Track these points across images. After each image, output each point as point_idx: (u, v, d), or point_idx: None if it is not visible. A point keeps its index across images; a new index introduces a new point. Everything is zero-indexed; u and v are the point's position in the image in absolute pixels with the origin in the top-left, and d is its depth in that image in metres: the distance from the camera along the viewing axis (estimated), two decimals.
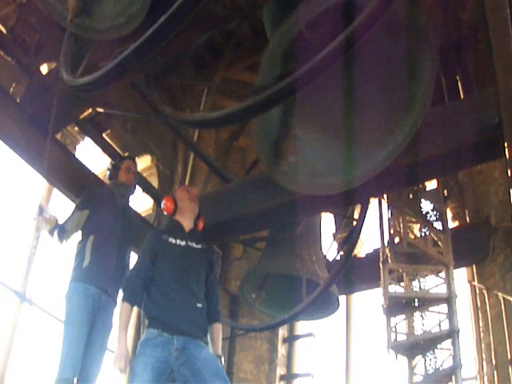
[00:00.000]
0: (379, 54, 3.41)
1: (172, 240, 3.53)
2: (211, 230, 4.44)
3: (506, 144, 2.86)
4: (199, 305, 3.40)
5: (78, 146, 5.98)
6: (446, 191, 5.96)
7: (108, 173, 4.40)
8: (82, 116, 4.99)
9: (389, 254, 5.45)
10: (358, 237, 5.21)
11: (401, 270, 5.49)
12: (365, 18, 2.51)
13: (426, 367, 5.26)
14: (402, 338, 5.36)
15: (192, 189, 3.86)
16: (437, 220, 5.69)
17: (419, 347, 5.32)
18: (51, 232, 3.93)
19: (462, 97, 4.87)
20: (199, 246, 3.58)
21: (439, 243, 5.53)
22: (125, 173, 4.29)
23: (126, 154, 4.70)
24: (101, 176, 5.04)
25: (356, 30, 2.57)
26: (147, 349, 3.24)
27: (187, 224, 3.64)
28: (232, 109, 2.96)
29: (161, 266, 3.45)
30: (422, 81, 3.28)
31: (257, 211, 4.41)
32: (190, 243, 3.55)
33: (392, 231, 5.52)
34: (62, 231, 3.95)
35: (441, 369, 5.16)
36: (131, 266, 4.25)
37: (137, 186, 4.50)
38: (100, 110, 4.56)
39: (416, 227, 5.77)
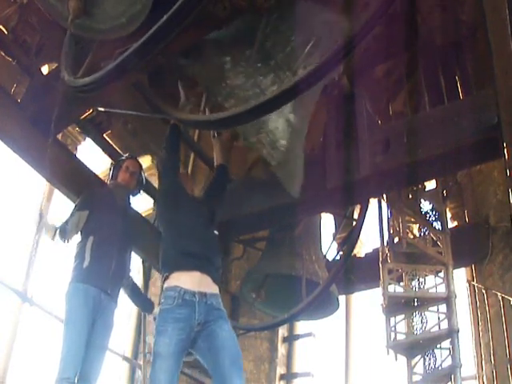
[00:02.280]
0: None
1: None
2: None
3: (504, 144, 2.87)
4: (215, 232, 3.68)
5: (78, 147, 5.99)
6: (445, 191, 5.97)
7: (109, 172, 4.40)
8: (82, 116, 4.99)
9: (388, 254, 5.47)
10: (358, 237, 5.22)
11: (400, 270, 5.50)
12: (365, 22, 2.53)
13: (425, 367, 5.27)
14: (401, 337, 5.37)
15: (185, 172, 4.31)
16: (436, 220, 5.70)
17: (418, 347, 5.33)
18: (52, 236, 3.94)
19: (461, 97, 4.87)
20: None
21: (438, 243, 5.54)
22: (123, 173, 4.29)
23: (128, 154, 4.68)
24: (102, 176, 5.05)
25: (356, 34, 2.58)
26: (169, 326, 3.18)
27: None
28: (235, 111, 2.97)
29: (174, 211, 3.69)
30: None
31: (257, 211, 4.43)
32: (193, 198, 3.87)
33: (391, 231, 5.53)
34: (64, 231, 3.95)
35: (440, 368, 5.17)
36: (132, 267, 4.29)
37: (141, 187, 4.48)
38: (101, 109, 4.56)
39: (415, 227, 5.78)
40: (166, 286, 3.38)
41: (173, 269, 3.39)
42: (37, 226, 3.96)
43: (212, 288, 3.36)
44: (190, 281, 3.29)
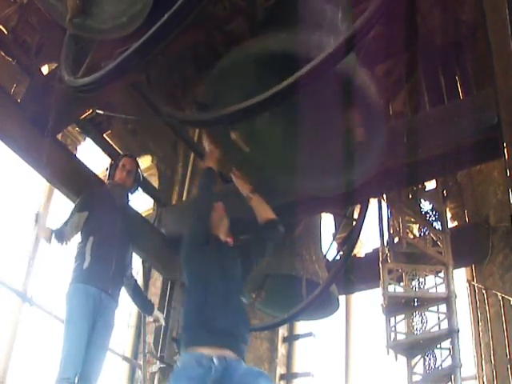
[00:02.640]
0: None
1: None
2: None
3: (504, 144, 2.87)
4: (244, 299, 3.34)
5: (78, 147, 6.00)
6: (445, 191, 5.97)
7: (107, 172, 4.39)
8: (82, 116, 4.99)
9: (388, 254, 5.47)
10: (358, 237, 5.22)
11: (400, 270, 5.50)
12: (365, 21, 2.53)
13: (425, 367, 5.27)
14: (401, 337, 5.37)
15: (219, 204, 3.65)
16: (436, 220, 5.70)
17: (418, 347, 5.33)
18: (48, 240, 3.94)
19: (461, 97, 4.88)
20: (231, 251, 3.48)
21: (438, 243, 5.54)
22: (119, 172, 4.28)
23: (123, 153, 4.68)
24: (101, 176, 5.05)
25: (356, 33, 2.58)
26: (181, 382, 2.91)
27: (222, 237, 3.52)
28: (233, 108, 2.97)
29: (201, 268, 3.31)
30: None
31: None
32: (226, 248, 3.47)
33: (391, 231, 5.54)
34: (61, 234, 3.95)
35: (440, 368, 5.17)
36: (132, 267, 4.29)
37: (139, 184, 4.46)
38: (100, 112, 4.56)
39: (415, 227, 5.78)
40: (183, 352, 3.07)
41: (193, 343, 3.01)
42: (34, 228, 3.94)
43: (234, 358, 2.99)
44: (211, 351, 2.95)
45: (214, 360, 2.89)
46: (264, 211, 3.60)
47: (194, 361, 2.90)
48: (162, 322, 4.57)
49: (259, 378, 2.99)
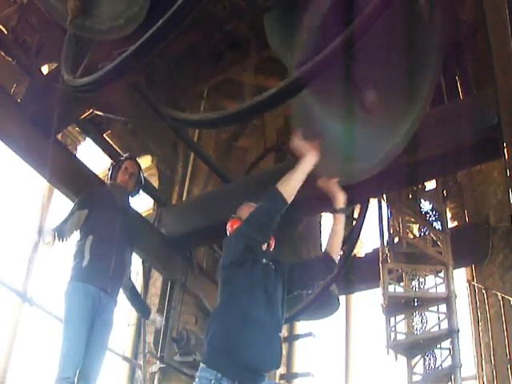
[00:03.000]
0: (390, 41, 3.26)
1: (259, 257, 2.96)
2: (211, 230, 4.46)
3: (504, 144, 2.87)
4: (281, 334, 2.87)
5: (78, 147, 6.00)
6: (445, 191, 5.96)
7: (109, 173, 4.40)
8: (82, 116, 5.00)
9: (388, 254, 5.46)
10: (358, 237, 5.22)
11: (400, 270, 5.50)
12: (365, 17, 2.53)
13: (425, 367, 5.26)
14: (401, 337, 5.36)
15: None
16: (436, 220, 5.69)
17: (418, 347, 5.32)
18: (52, 243, 3.94)
19: (461, 97, 4.87)
20: (272, 264, 3.03)
21: (438, 243, 5.54)
22: (122, 174, 4.30)
23: (127, 155, 4.68)
24: (101, 176, 5.05)
25: (357, 28, 2.58)
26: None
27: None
28: (234, 109, 2.97)
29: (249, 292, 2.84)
30: (426, 75, 3.22)
31: None
32: (268, 262, 3.01)
33: (391, 231, 5.53)
34: (61, 232, 3.95)
35: (440, 368, 5.17)
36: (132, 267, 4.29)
37: (141, 187, 4.47)
38: (99, 113, 4.57)
39: (415, 227, 5.78)
40: (203, 367, 2.71)
41: (219, 369, 2.64)
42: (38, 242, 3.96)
43: None
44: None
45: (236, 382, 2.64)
46: (339, 241, 3.10)
47: (214, 381, 2.61)
48: (159, 326, 4.57)
49: None
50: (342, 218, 3.10)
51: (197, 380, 2.66)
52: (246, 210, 3.12)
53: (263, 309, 2.78)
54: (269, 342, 2.73)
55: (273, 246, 3.19)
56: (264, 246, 3.02)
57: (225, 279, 2.91)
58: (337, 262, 3.11)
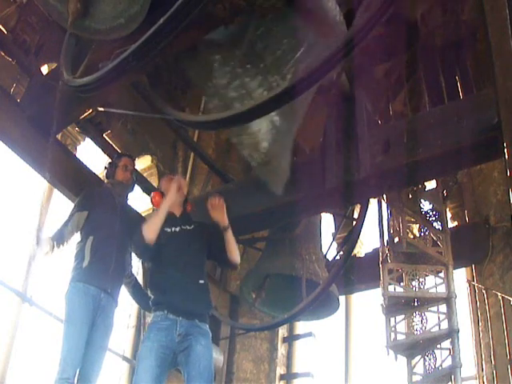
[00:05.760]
0: None
1: (167, 229, 3.73)
2: None
3: (505, 144, 2.86)
4: (201, 281, 3.64)
5: (78, 147, 5.99)
6: (445, 191, 5.96)
7: (105, 171, 4.40)
8: (82, 116, 4.99)
9: (388, 254, 5.46)
10: (358, 237, 5.21)
11: (400, 270, 5.50)
12: (362, 25, 2.53)
13: (425, 367, 5.27)
14: (401, 337, 5.37)
15: (176, 176, 4.14)
16: (436, 220, 5.70)
17: (419, 347, 5.33)
18: (51, 251, 3.95)
19: (461, 97, 4.87)
20: (192, 227, 3.83)
21: (438, 243, 5.54)
22: (122, 171, 4.29)
23: (121, 152, 4.70)
24: (101, 176, 5.04)
25: (354, 36, 2.59)
26: (152, 333, 3.47)
27: (177, 210, 3.88)
28: (235, 110, 2.97)
29: (160, 255, 3.67)
30: None
31: (257, 211, 4.42)
32: (183, 227, 3.80)
33: (391, 231, 5.53)
34: (60, 236, 3.96)
35: (440, 368, 5.17)
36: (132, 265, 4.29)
37: (135, 184, 4.50)
38: (101, 109, 4.56)
39: (415, 227, 5.78)
40: (153, 311, 3.63)
41: (160, 309, 3.57)
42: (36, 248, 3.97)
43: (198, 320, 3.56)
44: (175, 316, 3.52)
45: (180, 316, 3.47)
46: (234, 250, 3.80)
47: (163, 315, 3.49)
48: None
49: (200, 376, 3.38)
50: (229, 232, 3.75)
51: (152, 315, 3.58)
52: (166, 185, 3.91)
53: (174, 268, 3.61)
54: (184, 290, 3.55)
55: (191, 209, 3.97)
56: (178, 213, 3.84)
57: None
58: (238, 264, 3.85)
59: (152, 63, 3.53)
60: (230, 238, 3.75)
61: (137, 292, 4.28)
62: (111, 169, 4.34)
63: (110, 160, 4.95)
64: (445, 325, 5.21)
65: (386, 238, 5.57)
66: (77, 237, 4.03)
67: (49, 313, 4.87)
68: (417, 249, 5.47)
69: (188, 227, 3.82)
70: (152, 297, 3.65)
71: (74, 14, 3.16)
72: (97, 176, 4.89)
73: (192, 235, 3.80)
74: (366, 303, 7.26)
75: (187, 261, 3.66)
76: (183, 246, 3.72)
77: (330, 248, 5.88)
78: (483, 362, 5.59)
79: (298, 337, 6.94)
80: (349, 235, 5.40)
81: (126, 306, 4.91)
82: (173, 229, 3.77)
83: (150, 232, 3.60)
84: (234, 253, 3.79)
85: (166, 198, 3.76)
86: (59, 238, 3.94)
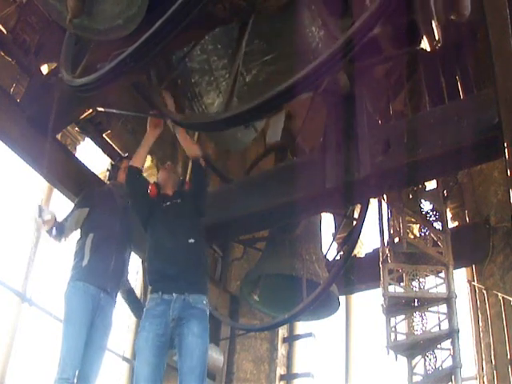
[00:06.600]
0: None
1: (161, 205, 3.96)
2: (211, 230, 4.44)
3: (505, 144, 2.86)
4: (191, 240, 3.74)
5: (78, 147, 5.98)
6: (445, 191, 5.96)
7: (107, 173, 4.40)
8: (82, 116, 4.99)
9: (388, 254, 5.46)
10: (358, 237, 5.20)
11: (400, 270, 5.50)
12: (363, 24, 2.53)
13: (425, 367, 5.27)
14: (401, 337, 5.37)
15: (167, 165, 4.43)
16: (436, 220, 5.69)
17: (419, 347, 5.32)
18: (50, 231, 3.93)
19: (461, 97, 4.87)
20: (181, 200, 4.00)
21: (439, 243, 5.53)
22: (123, 173, 4.29)
23: (126, 155, 4.69)
24: (101, 176, 5.04)
25: (355, 35, 2.58)
26: (147, 321, 3.53)
27: (170, 191, 4.09)
28: (236, 110, 2.97)
29: (154, 229, 3.86)
30: None
31: (257, 211, 4.42)
32: (173, 201, 4.00)
33: (392, 231, 5.52)
34: (61, 229, 3.95)
35: (440, 369, 5.17)
36: (130, 268, 4.29)
37: None
38: (100, 109, 4.56)
39: (416, 227, 5.77)
40: (149, 295, 3.71)
41: (153, 289, 3.66)
42: (37, 220, 3.94)
43: (192, 291, 3.60)
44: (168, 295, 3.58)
45: (174, 294, 3.52)
46: (190, 146, 4.18)
47: (157, 297, 3.55)
48: None
49: (191, 373, 3.39)
50: (181, 131, 4.20)
51: (148, 300, 3.66)
52: (161, 175, 4.27)
53: (164, 236, 3.77)
54: (173, 252, 3.66)
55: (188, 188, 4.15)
56: (170, 193, 4.04)
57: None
58: (199, 156, 4.17)
59: (151, 64, 3.54)
60: (182, 136, 4.12)
61: (131, 298, 4.29)
62: (113, 171, 4.35)
63: (110, 160, 4.95)
64: (445, 325, 5.20)
65: (386, 238, 5.56)
66: (76, 235, 4.03)
67: (48, 313, 4.88)
68: (417, 249, 5.47)
69: (178, 201, 3.99)
70: (147, 275, 3.81)
71: (74, 11, 3.15)
72: (96, 176, 4.89)
73: (181, 206, 3.96)
74: (367, 303, 7.26)
75: (176, 227, 3.79)
76: (173, 216, 3.86)
77: (330, 248, 5.87)
78: (483, 362, 5.59)
79: (298, 337, 6.94)
80: (349, 235, 5.39)
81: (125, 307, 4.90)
82: (164, 205, 3.95)
83: (135, 160, 4.03)
84: (189, 148, 4.18)
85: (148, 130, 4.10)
86: (59, 231, 3.93)
